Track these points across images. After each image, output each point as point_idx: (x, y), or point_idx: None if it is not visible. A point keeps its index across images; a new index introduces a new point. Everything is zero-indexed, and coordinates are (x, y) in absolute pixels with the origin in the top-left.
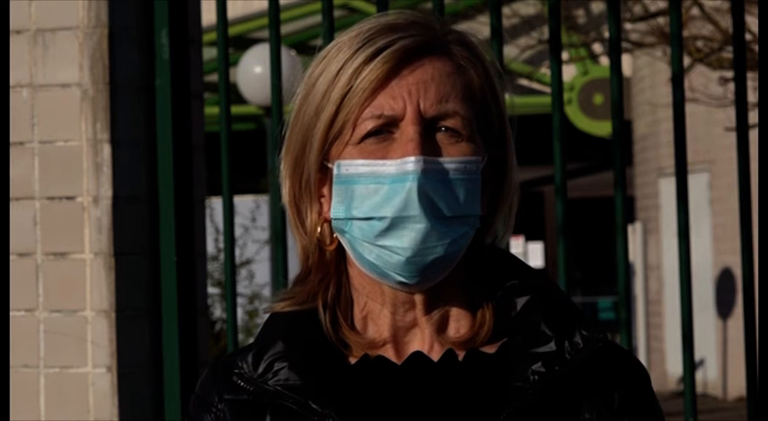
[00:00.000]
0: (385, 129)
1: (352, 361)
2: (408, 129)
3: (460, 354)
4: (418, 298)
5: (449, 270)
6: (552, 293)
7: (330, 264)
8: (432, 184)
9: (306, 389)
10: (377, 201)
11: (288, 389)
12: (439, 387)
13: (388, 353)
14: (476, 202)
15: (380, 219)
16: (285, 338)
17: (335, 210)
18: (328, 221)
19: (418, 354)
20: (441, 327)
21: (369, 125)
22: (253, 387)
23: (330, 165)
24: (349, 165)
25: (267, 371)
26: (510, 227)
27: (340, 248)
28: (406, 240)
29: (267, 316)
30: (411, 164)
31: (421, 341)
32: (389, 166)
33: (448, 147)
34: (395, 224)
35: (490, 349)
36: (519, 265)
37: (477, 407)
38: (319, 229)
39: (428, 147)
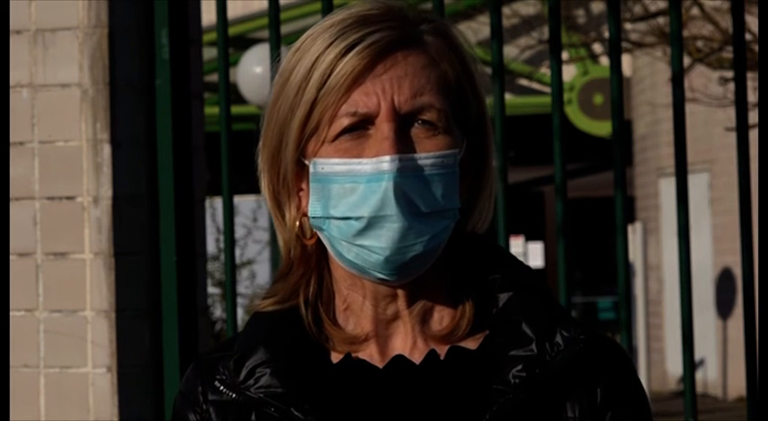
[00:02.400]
0: (360, 126)
1: (335, 357)
2: (383, 127)
3: (442, 351)
4: (400, 291)
5: (429, 264)
6: (535, 290)
7: (311, 257)
8: (408, 182)
9: (287, 396)
10: (353, 200)
11: (269, 397)
12: (421, 391)
13: (371, 349)
14: (454, 195)
15: (357, 218)
16: (266, 343)
17: (313, 208)
18: (307, 216)
19: (400, 358)
20: (423, 320)
21: (344, 122)
22: (235, 393)
23: (307, 162)
24: (325, 164)
25: (249, 378)
26: (489, 213)
27: (321, 241)
28: (383, 240)
29: (250, 316)
30: (386, 163)
31: (403, 334)
32: (365, 165)
33: (424, 141)
34: (372, 224)
35: (472, 344)
36: (501, 256)
37: (458, 411)
38: (298, 223)
39: (404, 143)
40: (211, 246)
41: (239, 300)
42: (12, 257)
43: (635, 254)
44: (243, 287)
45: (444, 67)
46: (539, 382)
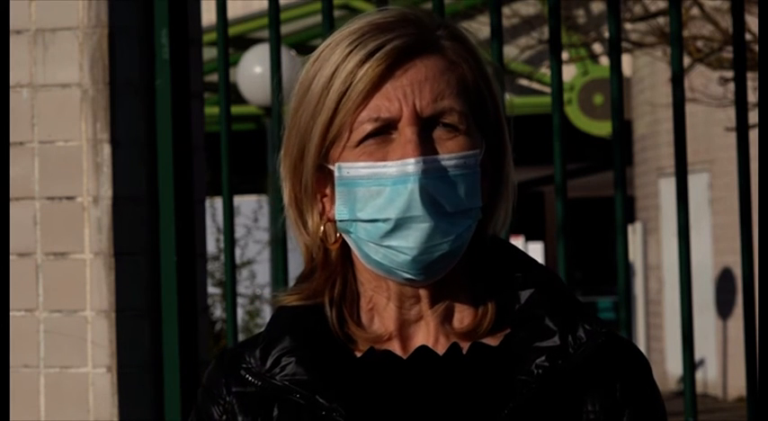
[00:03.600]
0: (383, 131)
1: (359, 355)
2: (406, 131)
3: (465, 347)
4: (423, 291)
5: (454, 264)
6: (556, 287)
7: (335, 261)
8: (433, 183)
9: (313, 383)
10: (380, 203)
11: (295, 384)
12: (444, 381)
13: (394, 346)
14: (477, 195)
15: (385, 220)
16: (292, 333)
17: (339, 212)
18: (331, 221)
19: (423, 348)
20: (445, 319)
21: (367, 128)
22: (260, 381)
23: (330, 167)
24: (350, 168)
25: (275, 366)
26: (509, 214)
27: (344, 245)
28: (411, 240)
29: (275, 309)
30: (411, 165)
31: (426, 333)
32: (390, 168)
33: (446, 142)
34: (399, 225)
35: (493, 341)
36: (522, 257)
37: (481, 400)
38: (322, 229)
39: (426, 145)
40: (211, 246)
41: (239, 300)
42: (12, 257)
43: (635, 254)
44: (243, 287)
45: (463, 71)
46: (561, 374)
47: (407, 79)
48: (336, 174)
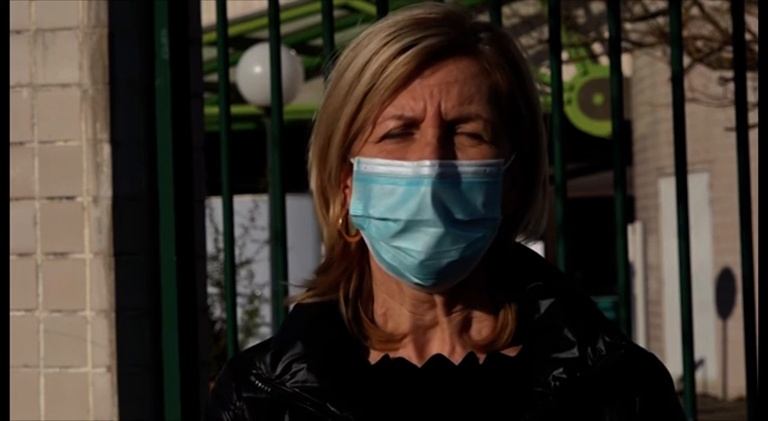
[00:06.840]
0: (405, 130)
1: (373, 356)
2: (427, 132)
3: (481, 357)
4: (438, 298)
5: (466, 273)
6: (576, 297)
7: (353, 255)
8: (447, 189)
9: (324, 391)
10: (392, 202)
11: (306, 391)
12: (459, 391)
13: (409, 351)
14: (495, 205)
15: (395, 221)
16: (304, 338)
17: (355, 206)
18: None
19: (439, 357)
20: (462, 329)
21: (389, 125)
22: (270, 388)
23: (352, 160)
24: (368, 163)
25: (285, 373)
26: (542, 224)
27: (364, 240)
28: (419, 243)
29: (291, 308)
30: (426, 168)
31: (441, 341)
32: (406, 168)
33: (468, 149)
34: (409, 227)
35: (511, 352)
36: (543, 265)
37: (497, 412)
38: (341, 221)
39: (447, 149)
40: (209, 247)
41: (238, 300)
42: (12, 257)
43: (635, 254)
44: (241, 287)
45: (497, 77)
46: (579, 386)
47: (436, 79)
48: (355, 168)
